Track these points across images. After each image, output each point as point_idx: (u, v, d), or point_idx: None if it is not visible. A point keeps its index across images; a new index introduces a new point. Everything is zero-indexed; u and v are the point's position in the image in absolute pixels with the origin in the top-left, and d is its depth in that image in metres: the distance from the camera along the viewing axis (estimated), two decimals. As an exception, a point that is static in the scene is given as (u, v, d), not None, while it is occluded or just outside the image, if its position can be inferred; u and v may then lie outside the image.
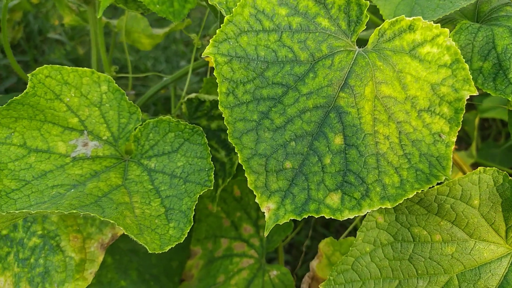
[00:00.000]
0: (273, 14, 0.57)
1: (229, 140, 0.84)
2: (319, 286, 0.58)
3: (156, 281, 0.87)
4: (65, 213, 0.46)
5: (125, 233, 0.49)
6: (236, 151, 0.52)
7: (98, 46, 0.97)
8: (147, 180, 0.62)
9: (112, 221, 0.48)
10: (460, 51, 0.55)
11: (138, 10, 0.88)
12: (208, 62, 0.82)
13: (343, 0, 0.57)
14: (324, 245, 0.73)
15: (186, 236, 0.55)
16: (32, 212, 0.46)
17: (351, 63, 0.54)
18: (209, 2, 0.63)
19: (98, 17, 0.75)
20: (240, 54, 0.56)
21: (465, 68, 0.55)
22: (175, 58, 2.16)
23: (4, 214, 0.46)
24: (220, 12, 0.65)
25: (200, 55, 0.92)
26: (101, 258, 0.66)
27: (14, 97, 0.60)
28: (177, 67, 2.06)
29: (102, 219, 0.48)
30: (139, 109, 0.66)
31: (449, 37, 0.56)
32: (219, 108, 0.55)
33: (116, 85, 0.65)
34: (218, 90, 0.55)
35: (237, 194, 0.93)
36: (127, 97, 0.65)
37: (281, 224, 0.51)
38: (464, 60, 0.55)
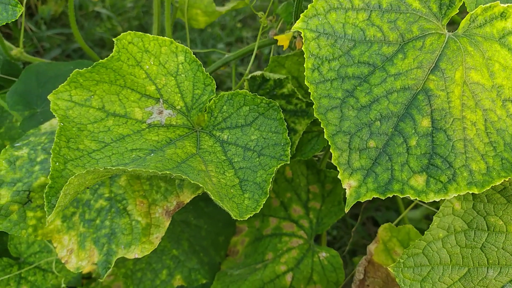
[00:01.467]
0: (364, -7, 0.56)
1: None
2: (387, 267, 0.58)
3: (205, 253, 0.89)
4: (159, 173, 0.48)
5: (212, 198, 0.50)
6: (322, 126, 0.53)
7: (159, 20, 0.98)
8: (220, 151, 0.63)
9: (201, 185, 0.49)
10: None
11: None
12: (276, 41, 0.82)
13: (436, -17, 0.57)
14: (382, 230, 0.73)
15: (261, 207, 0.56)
16: (129, 169, 0.48)
17: (443, 46, 0.54)
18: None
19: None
20: (328, 31, 0.56)
21: (555, 60, 0.54)
22: (210, 41, 2.16)
23: (101, 170, 0.47)
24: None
25: (264, 33, 0.92)
26: (166, 224, 0.68)
27: (100, 60, 0.62)
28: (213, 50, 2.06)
29: (192, 181, 0.49)
30: (214, 81, 0.66)
31: (540, 27, 0.55)
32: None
33: (194, 56, 0.66)
34: (304, 65, 0.55)
35: (288, 175, 0.93)
36: (203, 69, 0.66)
37: (362, 201, 0.51)
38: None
